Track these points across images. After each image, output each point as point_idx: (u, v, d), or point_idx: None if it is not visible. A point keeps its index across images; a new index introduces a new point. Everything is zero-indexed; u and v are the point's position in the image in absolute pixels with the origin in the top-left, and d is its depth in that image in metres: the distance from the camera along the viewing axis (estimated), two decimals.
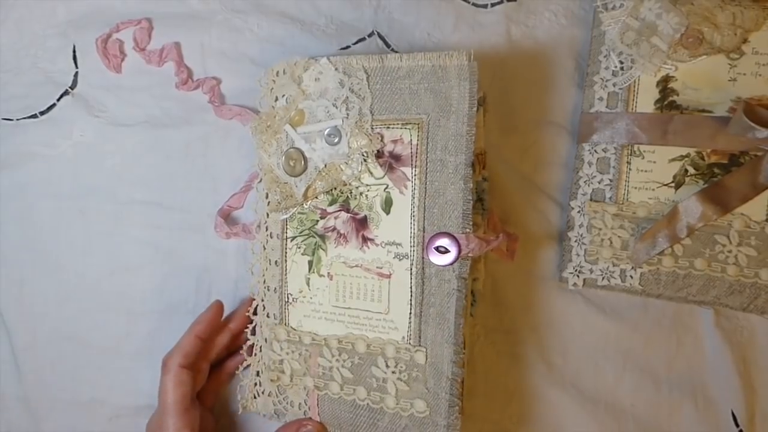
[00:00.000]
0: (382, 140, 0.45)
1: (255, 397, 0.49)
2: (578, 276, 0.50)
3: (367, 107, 0.45)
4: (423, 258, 0.44)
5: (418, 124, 0.44)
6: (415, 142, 0.44)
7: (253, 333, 0.50)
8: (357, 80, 0.45)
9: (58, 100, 0.53)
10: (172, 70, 0.53)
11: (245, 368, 0.50)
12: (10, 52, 0.53)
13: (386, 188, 0.45)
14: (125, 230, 0.53)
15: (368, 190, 0.45)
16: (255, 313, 0.50)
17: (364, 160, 0.45)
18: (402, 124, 0.44)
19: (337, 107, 0.45)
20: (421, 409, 0.44)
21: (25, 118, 0.53)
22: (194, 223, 0.53)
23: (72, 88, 0.53)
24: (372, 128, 0.45)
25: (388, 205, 0.45)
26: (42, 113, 0.53)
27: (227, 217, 0.53)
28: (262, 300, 0.49)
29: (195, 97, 0.53)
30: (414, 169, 0.44)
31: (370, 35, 0.53)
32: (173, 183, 0.53)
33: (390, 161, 0.45)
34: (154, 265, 0.53)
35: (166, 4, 0.53)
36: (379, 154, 0.45)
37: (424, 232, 0.44)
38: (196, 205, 0.53)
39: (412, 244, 0.44)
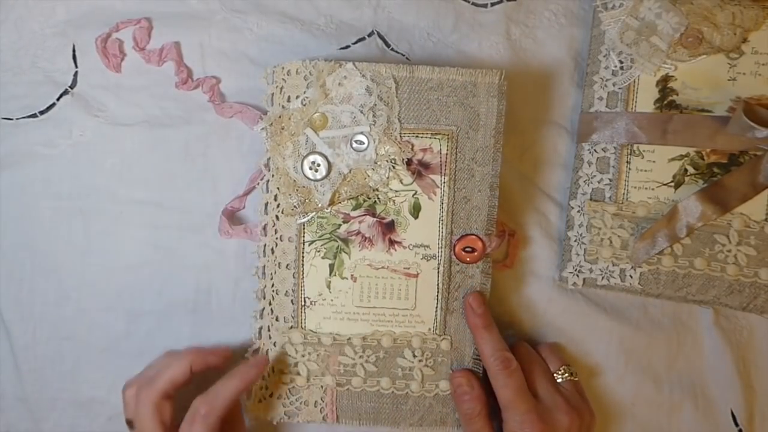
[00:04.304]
0: (412, 149, 0.46)
1: (261, 401, 0.49)
2: (578, 275, 0.51)
3: (395, 115, 0.46)
4: (450, 257, 0.47)
5: (448, 135, 0.46)
6: (444, 151, 0.46)
7: (259, 336, 0.50)
8: (386, 88, 0.46)
9: (58, 99, 0.53)
10: (172, 69, 0.53)
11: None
12: (9, 51, 0.53)
13: (414, 194, 0.47)
14: (125, 230, 0.53)
15: (396, 196, 0.47)
16: (261, 317, 0.49)
17: (393, 167, 0.46)
18: (432, 134, 0.46)
19: (363, 114, 0.46)
20: (445, 388, 0.48)
21: (24, 117, 0.53)
22: (194, 223, 0.53)
23: (72, 87, 0.53)
24: (401, 136, 0.46)
25: (416, 210, 0.47)
26: (41, 113, 0.53)
27: (231, 217, 0.52)
28: (270, 304, 0.49)
29: (195, 97, 0.53)
30: (443, 177, 0.47)
31: (369, 35, 0.53)
32: (173, 183, 0.53)
33: (419, 169, 0.47)
34: (153, 264, 0.53)
35: (166, 3, 0.53)
36: (408, 162, 0.46)
37: (452, 234, 0.47)
38: (196, 205, 0.53)
39: (440, 245, 0.48)
